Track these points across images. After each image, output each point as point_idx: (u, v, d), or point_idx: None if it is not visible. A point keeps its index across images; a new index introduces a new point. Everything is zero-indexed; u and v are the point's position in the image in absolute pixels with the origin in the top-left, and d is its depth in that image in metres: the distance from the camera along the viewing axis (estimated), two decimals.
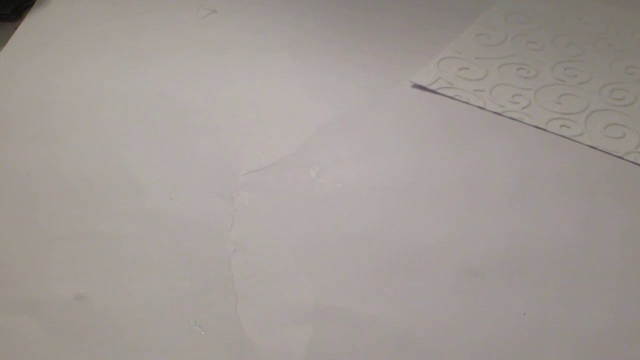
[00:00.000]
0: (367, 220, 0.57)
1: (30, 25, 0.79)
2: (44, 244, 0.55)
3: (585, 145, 0.63)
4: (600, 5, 0.81)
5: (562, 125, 0.65)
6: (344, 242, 0.55)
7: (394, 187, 0.60)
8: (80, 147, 0.63)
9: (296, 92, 0.70)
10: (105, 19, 0.79)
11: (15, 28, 0.78)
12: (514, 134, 0.65)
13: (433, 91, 0.68)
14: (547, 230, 0.56)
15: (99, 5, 0.82)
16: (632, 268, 0.53)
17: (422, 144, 0.64)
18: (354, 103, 0.68)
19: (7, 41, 0.76)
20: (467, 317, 0.50)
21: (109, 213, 0.57)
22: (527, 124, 0.65)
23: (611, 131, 0.64)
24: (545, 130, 0.64)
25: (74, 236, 0.55)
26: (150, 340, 0.49)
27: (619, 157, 0.62)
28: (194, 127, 0.65)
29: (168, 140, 0.64)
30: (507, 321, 0.50)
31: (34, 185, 0.60)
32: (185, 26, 0.79)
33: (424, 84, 0.69)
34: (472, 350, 0.48)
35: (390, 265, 0.54)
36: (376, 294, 0.52)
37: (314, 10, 0.81)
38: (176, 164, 0.62)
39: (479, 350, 0.48)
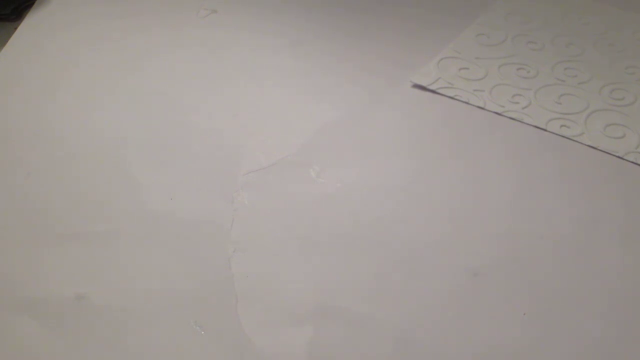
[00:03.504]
0: (367, 220, 0.57)
1: (30, 25, 0.79)
2: (44, 244, 0.55)
3: (585, 145, 0.63)
4: (600, 6, 0.81)
5: (562, 125, 0.65)
6: (344, 242, 0.55)
7: (394, 187, 0.60)
8: (80, 147, 0.63)
9: (296, 92, 0.70)
10: (105, 19, 0.79)
11: (15, 28, 0.78)
12: (514, 133, 0.65)
13: (433, 91, 0.68)
14: (547, 230, 0.56)
15: (99, 5, 0.82)
16: (632, 268, 0.53)
17: (422, 144, 0.64)
18: (354, 103, 0.68)
19: (7, 41, 0.76)
20: (467, 317, 0.50)
21: (109, 213, 0.57)
22: (527, 124, 0.65)
23: (611, 131, 0.64)
24: (545, 130, 0.64)
25: (74, 236, 0.55)
26: (150, 340, 0.49)
27: (619, 157, 0.62)
28: (194, 127, 0.65)
29: (168, 140, 0.64)
30: (507, 321, 0.50)
31: (34, 185, 0.60)
32: (185, 26, 0.79)
33: (424, 84, 0.69)
34: (472, 350, 0.48)
35: (390, 265, 0.54)
36: (376, 294, 0.52)
37: (314, 10, 0.81)
38: (176, 164, 0.62)
39: (479, 350, 0.48)
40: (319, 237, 0.55)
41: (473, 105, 0.67)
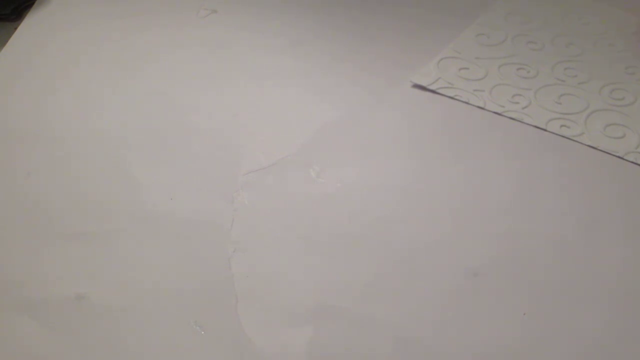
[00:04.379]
0: (367, 220, 0.57)
1: (30, 25, 0.79)
2: (44, 244, 0.55)
3: (585, 145, 0.63)
4: (600, 6, 0.81)
5: (562, 125, 0.65)
6: (344, 242, 0.55)
7: (394, 187, 0.60)
8: (80, 147, 0.63)
9: (296, 92, 0.70)
10: (106, 19, 0.79)
11: (15, 28, 0.78)
12: (514, 133, 0.65)
13: (433, 91, 0.68)
14: (548, 230, 0.56)
15: (99, 5, 0.82)
16: (633, 268, 0.53)
17: (422, 144, 0.64)
18: (354, 103, 0.68)
19: (7, 41, 0.76)
20: (468, 317, 0.50)
21: (109, 213, 0.57)
22: (527, 124, 0.65)
23: (611, 131, 0.64)
24: (545, 130, 0.64)
25: (74, 236, 0.55)
26: (150, 340, 0.49)
27: (619, 157, 0.62)
28: (194, 127, 0.65)
29: (168, 140, 0.64)
30: (508, 321, 0.50)
31: (34, 185, 0.60)
32: (185, 26, 0.79)
33: (424, 84, 0.69)
34: (472, 350, 0.48)
35: (390, 265, 0.54)
36: (376, 294, 0.52)
37: (314, 10, 0.81)
38: (176, 164, 0.62)
39: (479, 350, 0.48)
40: (319, 237, 0.55)
41: (473, 105, 0.67)
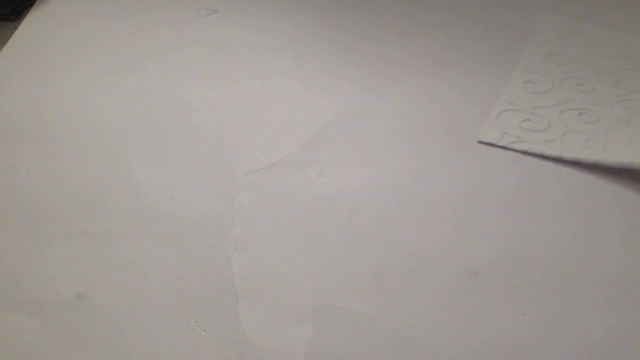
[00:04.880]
0: (367, 220, 0.57)
1: (30, 25, 0.79)
2: (44, 244, 0.55)
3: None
4: (632, 38, 0.76)
5: None
6: (344, 242, 0.55)
7: (395, 187, 0.60)
8: (81, 147, 0.63)
9: (297, 92, 0.70)
10: (106, 19, 0.79)
11: (15, 28, 0.78)
12: None
13: (504, 147, 0.64)
14: (548, 230, 0.56)
15: (99, 5, 0.82)
16: (633, 269, 0.53)
17: (423, 144, 0.64)
18: (355, 103, 0.68)
19: (7, 41, 0.76)
20: (467, 318, 0.50)
21: (109, 213, 0.57)
22: (611, 165, 0.61)
23: None
24: (634, 169, 0.60)
25: (74, 236, 0.55)
26: (150, 340, 0.49)
27: None
28: (194, 127, 0.65)
29: (168, 140, 0.64)
30: (508, 322, 0.50)
31: (35, 185, 0.60)
32: (186, 26, 0.79)
33: (492, 141, 0.65)
34: (472, 350, 0.48)
35: (391, 266, 0.54)
36: (376, 294, 0.52)
37: (315, 10, 0.81)
38: (176, 164, 0.62)
39: (479, 350, 0.48)
40: (319, 237, 0.56)
41: (550, 157, 0.63)
